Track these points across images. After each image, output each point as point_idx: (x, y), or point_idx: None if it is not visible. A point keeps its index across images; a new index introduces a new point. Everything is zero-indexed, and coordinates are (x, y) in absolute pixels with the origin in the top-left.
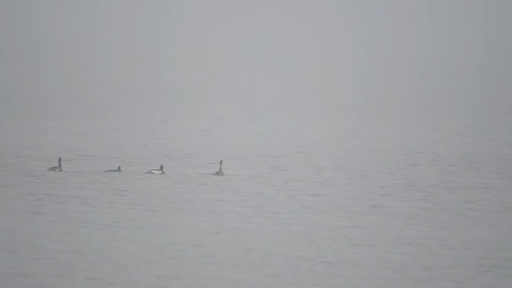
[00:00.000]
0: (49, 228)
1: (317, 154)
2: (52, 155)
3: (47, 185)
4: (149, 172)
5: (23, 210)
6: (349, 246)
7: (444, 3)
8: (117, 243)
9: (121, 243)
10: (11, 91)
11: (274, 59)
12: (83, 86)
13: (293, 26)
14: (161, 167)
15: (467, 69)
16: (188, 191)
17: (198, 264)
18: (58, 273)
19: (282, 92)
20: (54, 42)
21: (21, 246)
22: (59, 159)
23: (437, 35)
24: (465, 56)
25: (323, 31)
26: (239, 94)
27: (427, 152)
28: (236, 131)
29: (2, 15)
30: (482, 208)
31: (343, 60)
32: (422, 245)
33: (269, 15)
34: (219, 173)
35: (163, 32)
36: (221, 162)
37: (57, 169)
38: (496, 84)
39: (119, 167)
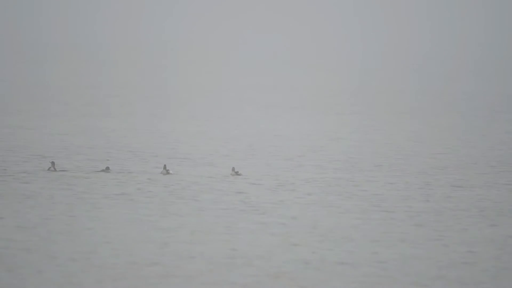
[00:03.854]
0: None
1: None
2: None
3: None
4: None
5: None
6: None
7: (444, 3)
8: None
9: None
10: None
11: (277, 59)
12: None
13: (294, 26)
14: (165, 166)
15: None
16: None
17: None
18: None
19: (307, 90)
20: (55, 41)
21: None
22: (52, 162)
23: (436, 34)
24: (463, 56)
25: (322, 30)
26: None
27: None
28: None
29: (3, 14)
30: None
31: (343, 60)
32: None
33: (269, 15)
34: (232, 174)
35: (165, 28)
36: (233, 169)
37: (52, 169)
38: None
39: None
